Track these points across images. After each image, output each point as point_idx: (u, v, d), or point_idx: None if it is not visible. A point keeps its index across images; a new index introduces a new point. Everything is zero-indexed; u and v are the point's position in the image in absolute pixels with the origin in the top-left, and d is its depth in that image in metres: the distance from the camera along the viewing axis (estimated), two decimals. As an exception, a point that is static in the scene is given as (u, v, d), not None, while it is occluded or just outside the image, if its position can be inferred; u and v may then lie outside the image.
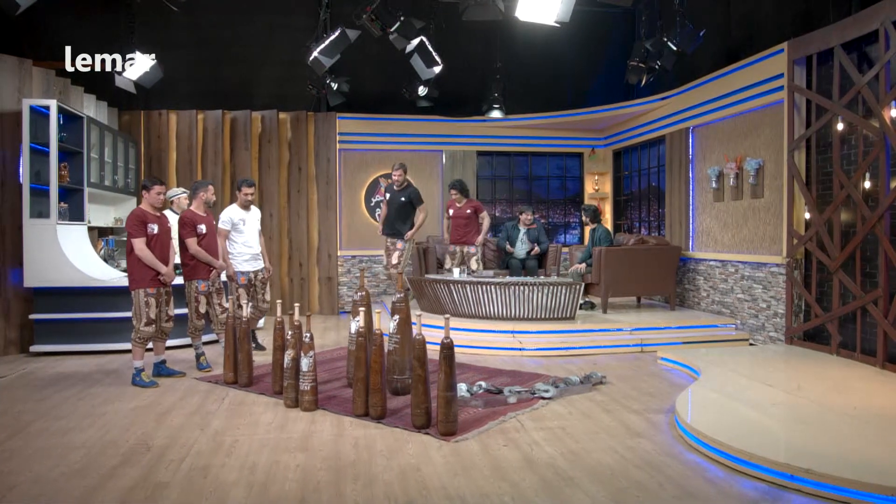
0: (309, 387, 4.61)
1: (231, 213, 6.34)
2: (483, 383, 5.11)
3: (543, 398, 4.88)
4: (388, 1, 6.60)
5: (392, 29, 6.53)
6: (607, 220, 10.42)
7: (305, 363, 4.59)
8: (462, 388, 4.93)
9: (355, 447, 3.89)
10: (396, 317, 5.02)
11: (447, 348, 4.00)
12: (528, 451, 3.80)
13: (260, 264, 6.51)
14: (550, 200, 10.75)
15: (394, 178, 7.98)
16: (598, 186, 10.54)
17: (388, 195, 8.15)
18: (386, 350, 5.21)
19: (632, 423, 4.33)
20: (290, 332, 4.76)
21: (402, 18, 6.52)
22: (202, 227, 5.97)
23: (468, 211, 8.30)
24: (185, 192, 6.92)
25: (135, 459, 3.70)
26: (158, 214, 5.58)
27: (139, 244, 5.38)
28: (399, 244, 8.00)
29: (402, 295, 5.16)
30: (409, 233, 8.04)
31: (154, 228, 5.47)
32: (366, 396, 4.44)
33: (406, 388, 4.91)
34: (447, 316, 4.08)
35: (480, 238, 8.36)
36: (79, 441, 4.02)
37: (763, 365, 5.59)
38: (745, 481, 3.41)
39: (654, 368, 5.99)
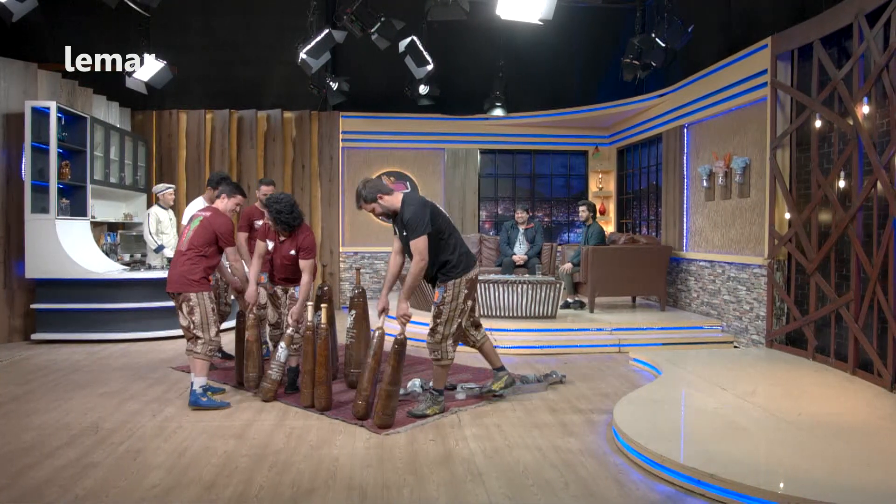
0: (261, 378, 4.78)
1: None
2: (438, 379, 5.17)
3: (494, 395, 4.91)
4: (371, 2, 6.70)
5: (372, 30, 6.62)
6: (610, 220, 10.28)
7: (258, 355, 4.76)
8: (416, 383, 5.01)
9: (288, 437, 4.02)
10: (353, 312, 5.15)
11: (399, 344, 4.12)
12: (452, 447, 3.86)
13: None
14: (554, 199, 10.68)
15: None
16: (602, 185, 10.41)
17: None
18: (345, 344, 5.35)
19: (570, 423, 4.32)
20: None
21: (382, 19, 6.61)
22: (258, 223, 5.90)
23: (291, 252, 4.88)
24: (170, 188, 7.24)
25: (79, 441, 3.93)
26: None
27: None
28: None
29: (359, 291, 5.27)
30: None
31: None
32: (312, 388, 4.57)
33: (360, 381, 5.01)
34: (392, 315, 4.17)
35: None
36: (37, 423, 4.28)
37: (731, 368, 5.46)
38: (659, 485, 3.38)
39: (623, 369, 5.93)
